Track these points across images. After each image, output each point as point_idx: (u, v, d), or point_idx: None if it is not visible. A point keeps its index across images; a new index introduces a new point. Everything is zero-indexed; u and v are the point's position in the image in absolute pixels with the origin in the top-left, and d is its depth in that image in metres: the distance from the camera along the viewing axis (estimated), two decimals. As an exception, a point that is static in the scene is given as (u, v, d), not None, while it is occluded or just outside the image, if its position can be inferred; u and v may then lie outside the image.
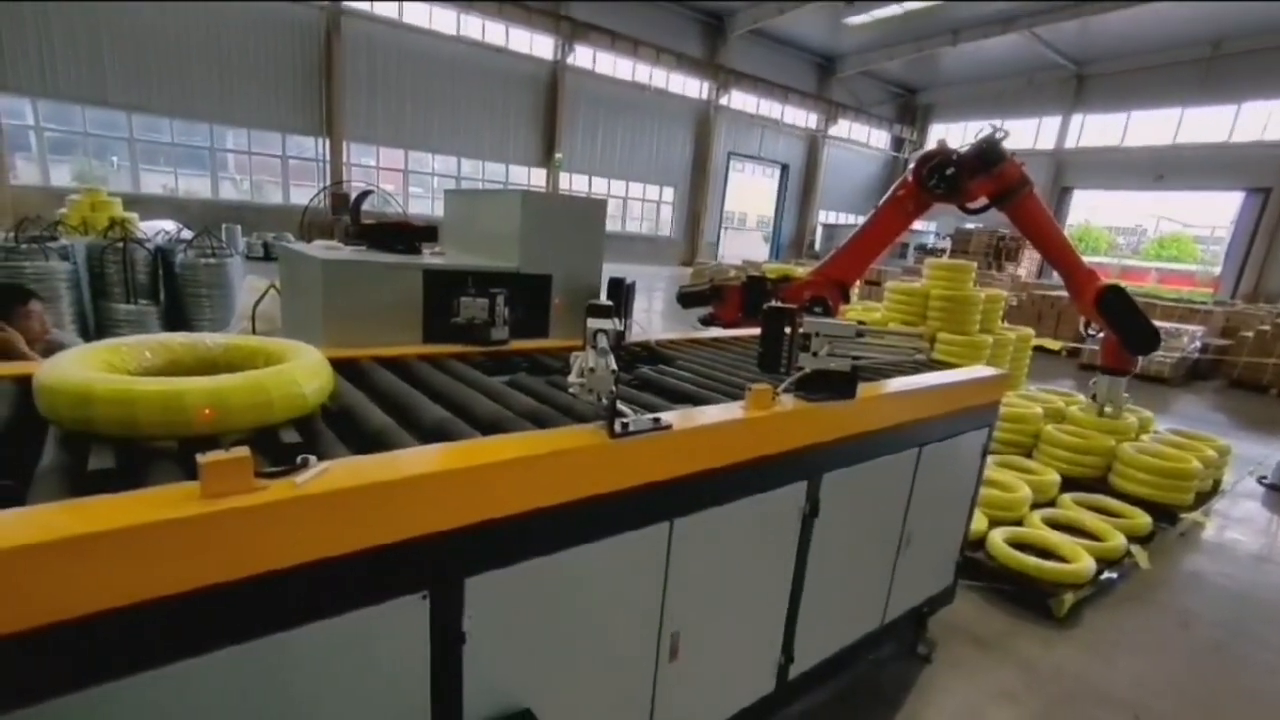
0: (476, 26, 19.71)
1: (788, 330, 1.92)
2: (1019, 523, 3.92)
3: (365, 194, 3.33)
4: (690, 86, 24.69)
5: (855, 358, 1.87)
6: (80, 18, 14.44)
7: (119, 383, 1.13)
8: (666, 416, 1.51)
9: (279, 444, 1.23)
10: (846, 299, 4.06)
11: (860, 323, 1.94)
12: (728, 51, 24.04)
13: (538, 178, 22.45)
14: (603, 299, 2.52)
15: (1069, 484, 4.57)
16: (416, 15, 18.67)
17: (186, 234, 7.19)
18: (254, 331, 3.61)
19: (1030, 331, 7.29)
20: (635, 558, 1.51)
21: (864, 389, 2.02)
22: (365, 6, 17.80)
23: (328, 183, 17.41)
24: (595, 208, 2.55)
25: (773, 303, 1.98)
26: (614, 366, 1.22)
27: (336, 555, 1.05)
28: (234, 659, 0.98)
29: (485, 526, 1.22)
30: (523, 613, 1.33)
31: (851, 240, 4.02)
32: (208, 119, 16.62)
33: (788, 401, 1.81)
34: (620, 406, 1.53)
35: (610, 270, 2.48)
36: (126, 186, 15.69)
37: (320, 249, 2.24)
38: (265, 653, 1.01)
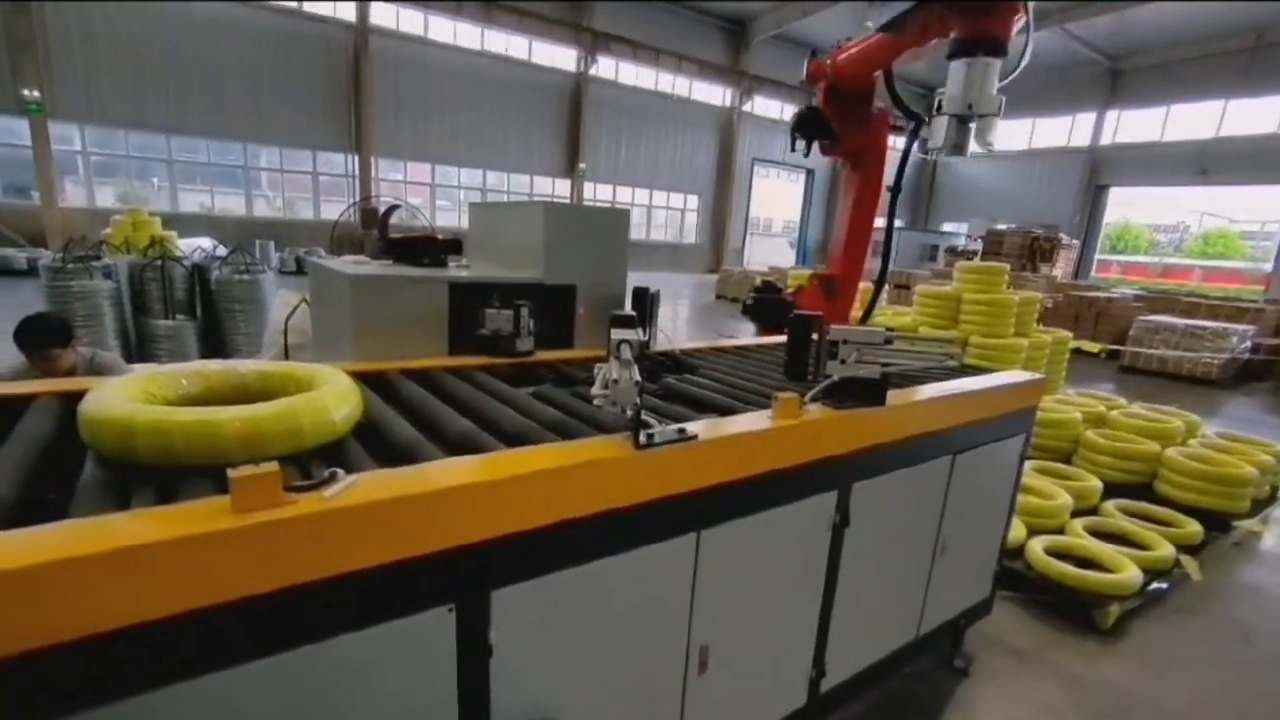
0: (500, 41, 20.02)
1: (814, 338, 1.89)
2: (1059, 531, 3.80)
3: (393, 208, 3.38)
4: (713, 93, 24.72)
5: (885, 364, 1.83)
6: (125, 46, 15.05)
7: (158, 414, 1.16)
8: (692, 427, 1.49)
9: (308, 472, 1.22)
10: (834, 293, 3.97)
11: (889, 329, 1.90)
12: (750, 57, 24.02)
13: (562, 188, 22.66)
14: (627, 308, 2.53)
15: (1111, 491, 4.42)
16: (441, 32, 19.05)
17: (222, 251, 7.41)
18: (286, 345, 3.68)
19: (1067, 334, 7.10)
20: (662, 570, 1.50)
21: (894, 396, 1.98)
22: (392, 25, 18.22)
23: (357, 198, 17.79)
24: (618, 217, 2.55)
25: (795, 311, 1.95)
26: (638, 378, 1.21)
27: (364, 568, 1.05)
28: (263, 672, 0.99)
29: (511, 539, 1.21)
30: (549, 625, 1.32)
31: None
32: (242, 139, 17.15)
33: (816, 410, 1.78)
34: (645, 417, 1.52)
35: (634, 279, 2.49)
36: (166, 206, 16.26)
37: (349, 264, 2.28)
38: (294, 666, 1.02)
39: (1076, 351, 8.20)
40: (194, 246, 8.45)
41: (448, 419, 1.54)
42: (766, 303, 4.21)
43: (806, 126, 3.73)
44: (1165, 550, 3.63)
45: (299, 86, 17.26)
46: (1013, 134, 26.43)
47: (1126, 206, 25.40)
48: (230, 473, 0.96)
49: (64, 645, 0.83)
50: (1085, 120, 24.27)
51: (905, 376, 2.28)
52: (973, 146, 2.68)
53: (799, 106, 3.89)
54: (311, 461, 1.28)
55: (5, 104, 14.22)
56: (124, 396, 1.23)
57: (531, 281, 2.35)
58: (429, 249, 2.50)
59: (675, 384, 2.04)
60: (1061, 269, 19.35)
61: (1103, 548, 3.54)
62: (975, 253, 19.05)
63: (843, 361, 1.82)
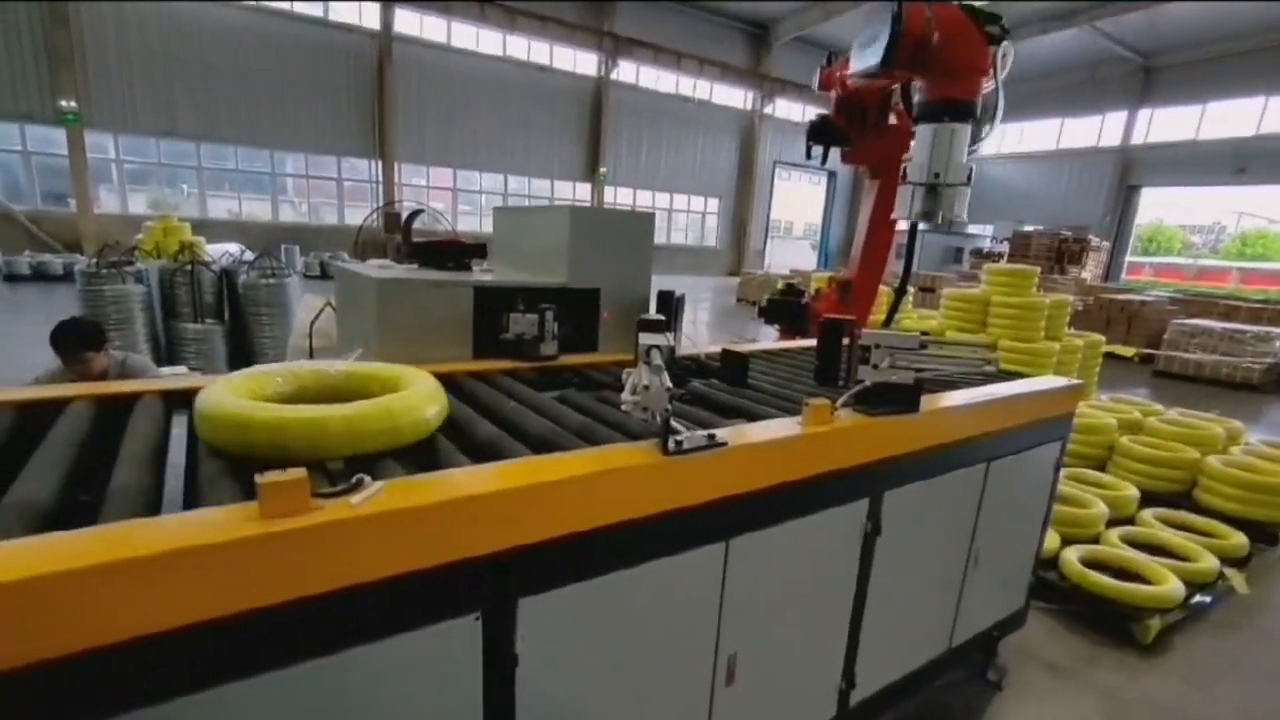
0: (521, 46, 20.18)
1: (845, 342, 1.85)
2: (1094, 541, 3.69)
3: (415, 213, 3.40)
4: (734, 96, 24.66)
5: (919, 370, 1.79)
6: (158, 57, 15.44)
7: (273, 411, 1.23)
8: (721, 433, 1.46)
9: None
10: (851, 298, 3.87)
11: (923, 333, 1.85)
12: (772, 60, 23.92)
13: (582, 192, 22.75)
14: (651, 312, 2.50)
15: (1148, 499, 4.28)
16: (464, 38, 19.26)
17: (249, 256, 7.53)
18: (310, 348, 3.72)
19: (1100, 338, 6.93)
20: (690, 578, 1.47)
21: (927, 402, 1.92)
22: (415, 32, 18.46)
23: (380, 203, 18.04)
24: (643, 221, 2.52)
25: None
26: (668, 384, 1.18)
27: (390, 576, 1.04)
28: (288, 681, 0.98)
29: (538, 547, 1.19)
30: (576, 634, 1.29)
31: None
32: (269, 145, 17.49)
33: (847, 416, 1.74)
34: (673, 423, 1.50)
35: (655, 282, 2.46)
36: (195, 212, 16.62)
37: (374, 268, 2.28)
38: (320, 674, 1.00)
39: (1109, 356, 8.00)
40: (222, 251, 8.60)
41: (473, 423, 1.53)
42: (783, 305, 4.16)
43: (819, 135, 3.67)
44: (1208, 562, 3.50)
45: (325, 94, 17.57)
46: (1040, 134, 25.97)
47: (1159, 208, 24.76)
48: (258, 478, 0.95)
49: (85, 653, 0.82)
50: (1116, 119, 23.70)
51: (938, 382, 2.22)
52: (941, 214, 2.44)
53: (818, 111, 3.84)
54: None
55: (44, 115, 14.67)
56: (233, 393, 1.30)
57: (556, 285, 2.33)
58: (453, 253, 2.50)
59: (702, 389, 2.01)
60: (1091, 271, 18.93)
61: (1142, 559, 3.43)
62: (1001, 255, 18.75)
63: (875, 366, 1.78)
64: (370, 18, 17.81)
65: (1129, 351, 9.84)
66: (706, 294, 19.07)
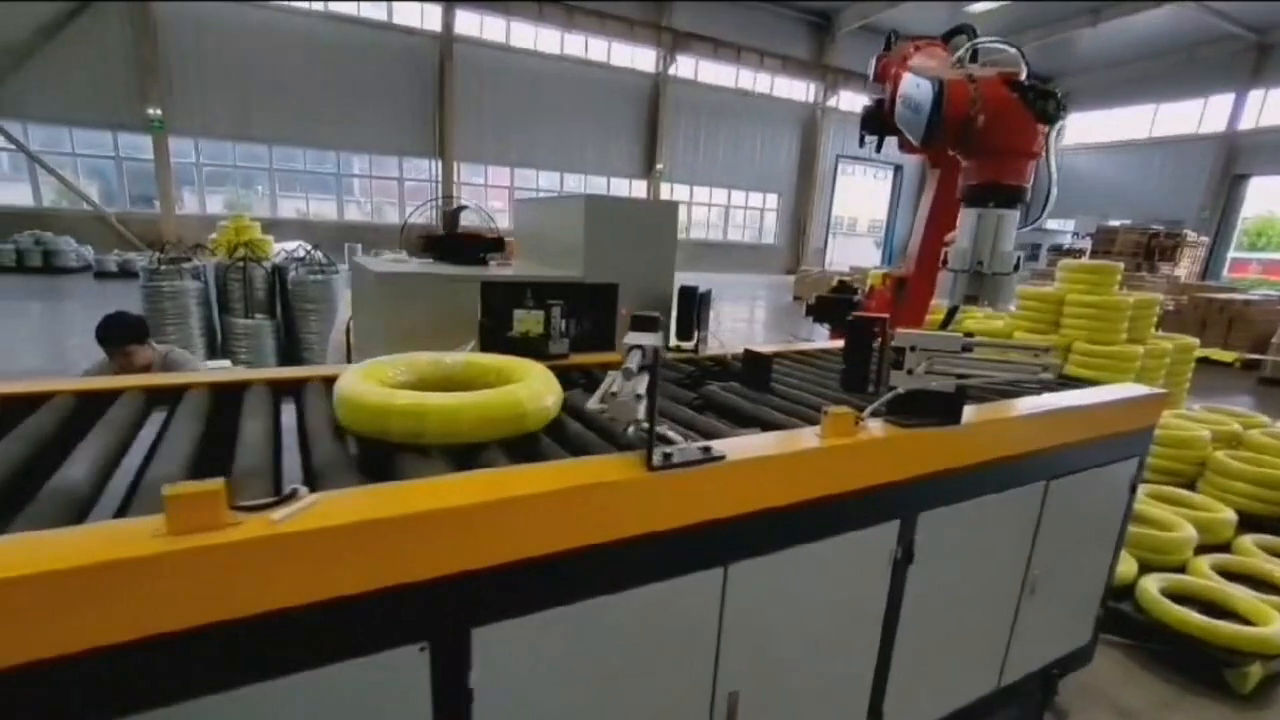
0: (579, 44, 20.25)
1: (876, 344, 1.64)
2: (1180, 569, 3.28)
3: (460, 209, 3.35)
4: (796, 89, 24.03)
5: (961, 376, 1.56)
6: (234, 64, 16.29)
7: (412, 398, 1.30)
8: (722, 445, 1.30)
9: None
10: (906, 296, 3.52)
11: (969, 334, 1.62)
12: (835, 50, 23.16)
13: (639, 189, 22.67)
14: (673, 308, 2.34)
15: (1247, 524, 3.80)
16: (522, 38, 19.48)
17: (318, 255, 7.76)
18: (348, 345, 3.73)
19: (1193, 341, 6.28)
20: (683, 607, 1.30)
21: (973, 412, 1.69)
22: (475, 33, 18.80)
23: (438, 201, 18.48)
24: (666, 211, 2.37)
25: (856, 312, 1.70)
26: (640, 390, 1.02)
27: (317, 601, 0.93)
28: (202, 712, 0.88)
29: (499, 570, 1.06)
30: (543, 669, 1.15)
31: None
32: (334, 146, 18.18)
33: (876, 427, 1.53)
34: (669, 432, 1.34)
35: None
36: (266, 212, 17.45)
37: (383, 262, 2.21)
38: (237, 706, 0.90)
39: (1203, 361, 7.28)
40: (292, 249, 8.90)
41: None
42: (831, 303, 3.90)
43: (871, 124, 3.40)
44: (1320, 599, 3.06)
45: (388, 95, 18.12)
46: (1129, 122, 24.16)
47: (1271, 198, 22.52)
48: (165, 489, 0.86)
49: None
50: (1219, 103, 21.74)
51: (990, 389, 1.97)
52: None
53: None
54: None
55: (133, 122, 15.71)
56: (365, 381, 1.36)
57: (570, 280, 2.21)
58: (470, 246, 2.42)
59: (716, 393, 1.84)
60: (1186, 269, 17.49)
61: (1240, 593, 3.02)
62: (1082, 251, 17.56)
63: (909, 372, 1.56)
64: (432, 20, 18.24)
65: (1229, 356, 8.94)
66: (763, 292, 18.68)
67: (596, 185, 21.88)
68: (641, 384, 1.05)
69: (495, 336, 2.06)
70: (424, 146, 18.97)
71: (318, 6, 17.02)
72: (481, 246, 2.43)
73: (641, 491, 1.17)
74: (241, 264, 5.79)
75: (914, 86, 2.11)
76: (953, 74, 2.03)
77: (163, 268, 5.53)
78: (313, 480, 1.14)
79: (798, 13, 22.66)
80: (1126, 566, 3.12)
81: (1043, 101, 1.93)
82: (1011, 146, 1.97)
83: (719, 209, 24.66)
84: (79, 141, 15.97)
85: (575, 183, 21.54)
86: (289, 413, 1.61)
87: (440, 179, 19.23)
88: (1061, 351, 5.58)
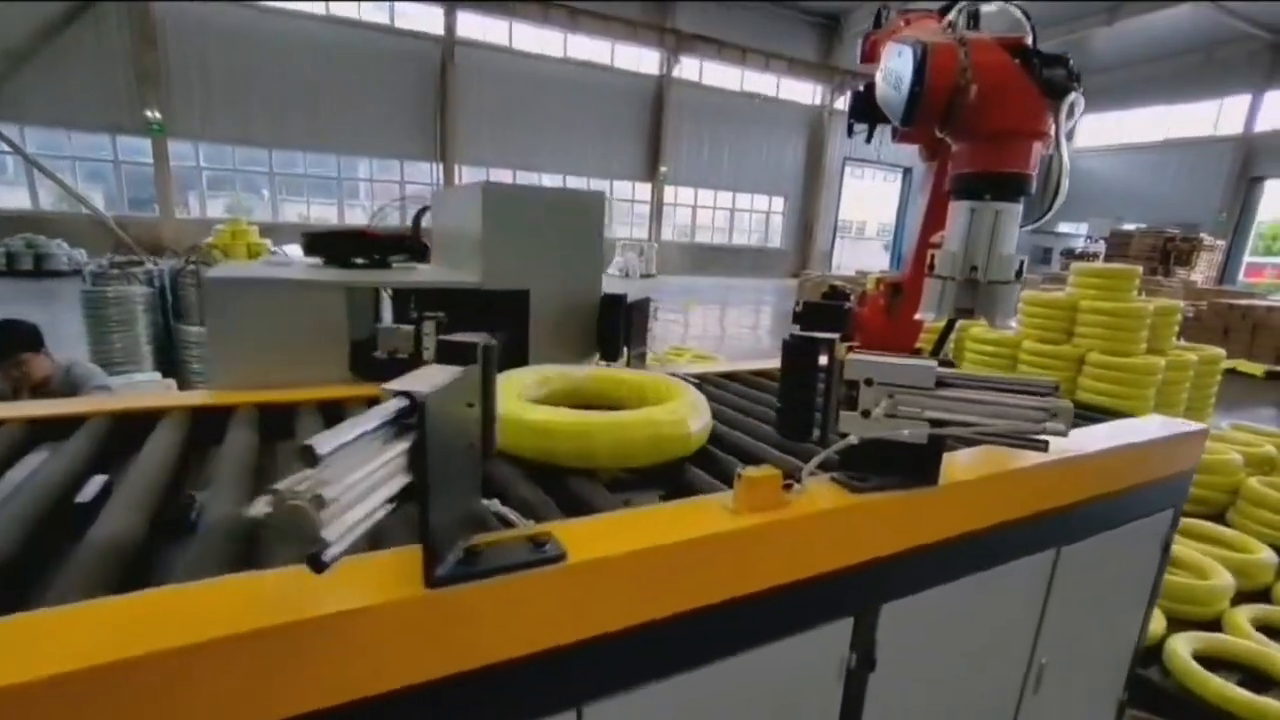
0: (582, 46, 19.95)
1: (821, 375, 1.21)
2: (1215, 624, 2.83)
3: (424, 209, 2.97)
4: (802, 91, 23.63)
5: (935, 421, 1.14)
6: (235, 68, 16.11)
7: (579, 418, 1.20)
8: (572, 530, 0.89)
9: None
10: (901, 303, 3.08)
11: (944, 361, 1.20)
12: (843, 51, 22.74)
13: (643, 192, 22.36)
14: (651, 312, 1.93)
15: (1290, 565, 3.34)
16: (525, 40, 19.20)
17: (280, 255, 7.39)
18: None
19: (1219, 351, 5.79)
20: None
21: (953, 462, 1.28)
22: (478, 35, 18.54)
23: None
24: (590, 202, 1.96)
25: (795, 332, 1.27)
26: (322, 492, 0.56)
27: None
28: None
29: None
30: None
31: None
32: (335, 150, 17.96)
33: (818, 490, 1.12)
34: (505, 511, 0.94)
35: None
36: (267, 216, 17.25)
37: (234, 267, 1.82)
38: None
39: (1229, 373, 6.77)
40: (291, 252, 8.54)
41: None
42: (821, 310, 3.47)
43: (859, 111, 2.96)
44: (1382, 664, 2.59)
45: (389, 99, 17.91)
46: (1143, 123, 23.56)
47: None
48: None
49: None
50: (1236, 105, 21.13)
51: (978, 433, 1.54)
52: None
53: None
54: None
55: (133, 126, 15.55)
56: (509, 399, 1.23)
57: (465, 286, 1.81)
58: (363, 246, 2.02)
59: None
60: (1202, 273, 16.90)
61: (1284, 655, 2.57)
62: (1096, 255, 17.02)
63: (865, 414, 1.15)
64: (434, 22, 18.00)
65: (1256, 369, 8.37)
66: (769, 296, 18.24)
67: (598, 188, 21.53)
68: (371, 463, 0.64)
69: (362, 357, 1.67)
70: (425, 150, 18.74)
71: (319, 9, 16.83)
72: (377, 246, 2.03)
73: (418, 616, 0.76)
74: (194, 266, 5.43)
75: (895, 56, 1.68)
76: (940, 39, 1.60)
77: (112, 271, 5.19)
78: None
79: (804, 14, 22.27)
80: (1153, 622, 2.67)
81: (1050, 68, 1.48)
82: (1011, 125, 1.51)
83: (724, 212, 24.27)
84: (77, 145, 15.84)
85: (577, 185, 21.22)
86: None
87: (442, 182, 18.98)
88: (1075, 363, 5.11)
